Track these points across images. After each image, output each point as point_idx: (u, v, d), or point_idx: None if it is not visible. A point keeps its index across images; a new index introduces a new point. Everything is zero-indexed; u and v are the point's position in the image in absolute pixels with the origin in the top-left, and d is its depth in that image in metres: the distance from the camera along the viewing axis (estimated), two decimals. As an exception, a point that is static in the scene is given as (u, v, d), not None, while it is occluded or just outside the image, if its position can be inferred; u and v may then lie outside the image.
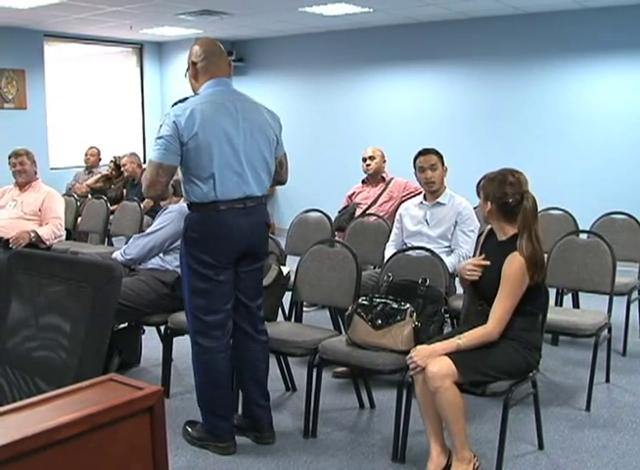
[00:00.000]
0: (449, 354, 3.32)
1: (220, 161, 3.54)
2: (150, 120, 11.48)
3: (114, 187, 8.82)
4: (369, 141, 7.69)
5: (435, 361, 3.30)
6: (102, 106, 10.95)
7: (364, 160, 6.44)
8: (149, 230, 4.76)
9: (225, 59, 3.77)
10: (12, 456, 1.29)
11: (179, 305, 4.18)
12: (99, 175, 9.09)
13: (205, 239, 3.63)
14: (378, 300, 3.84)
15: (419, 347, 3.44)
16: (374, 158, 6.42)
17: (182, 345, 4.98)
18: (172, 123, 3.47)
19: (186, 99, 3.60)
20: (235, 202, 3.61)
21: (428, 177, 4.94)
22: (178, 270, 4.24)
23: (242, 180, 3.62)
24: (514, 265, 3.36)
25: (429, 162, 4.93)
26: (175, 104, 3.59)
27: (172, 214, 4.66)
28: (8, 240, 5.74)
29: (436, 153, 4.99)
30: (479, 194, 3.61)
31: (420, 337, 3.70)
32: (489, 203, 3.50)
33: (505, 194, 3.45)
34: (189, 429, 3.96)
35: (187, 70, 3.76)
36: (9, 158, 6.21)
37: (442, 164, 4.98)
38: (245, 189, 3.64)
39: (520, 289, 3.37)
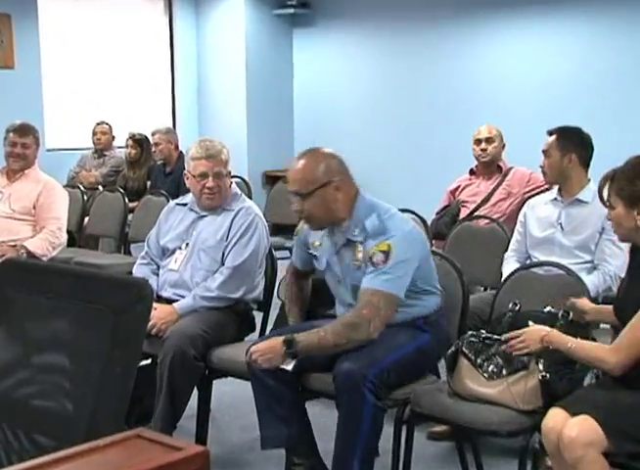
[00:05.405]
0: (594, 414, 3.25)
1: None
2: (182, 88, 11.60)
3: (135, 175, 8.82)
4: (479, 118, 7.67)
5: (575, 423, 3.24)
6: (117, 67, 11.07)
7: (478, 142, 6.39)
8: None
9: None
10: None
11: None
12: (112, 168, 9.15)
13: None
14: (492, 336, 3.78)
15: (530, 328, 3.57)
16: (492, 140, 6.36)
17: (221, 390, 5.00)
18: None
19: None
20: None
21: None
22: None
23: None
24: None
25: (544, 147, 5.01)
26: None
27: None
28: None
29: (560, 135, 4.99)
30: (603, 201, 3.57)
31: (550, 392, 3.61)
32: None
33: None
34: None
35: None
36: (7, 132, 6.16)
37: (567, 150, 4.93)
38: None
39: None
